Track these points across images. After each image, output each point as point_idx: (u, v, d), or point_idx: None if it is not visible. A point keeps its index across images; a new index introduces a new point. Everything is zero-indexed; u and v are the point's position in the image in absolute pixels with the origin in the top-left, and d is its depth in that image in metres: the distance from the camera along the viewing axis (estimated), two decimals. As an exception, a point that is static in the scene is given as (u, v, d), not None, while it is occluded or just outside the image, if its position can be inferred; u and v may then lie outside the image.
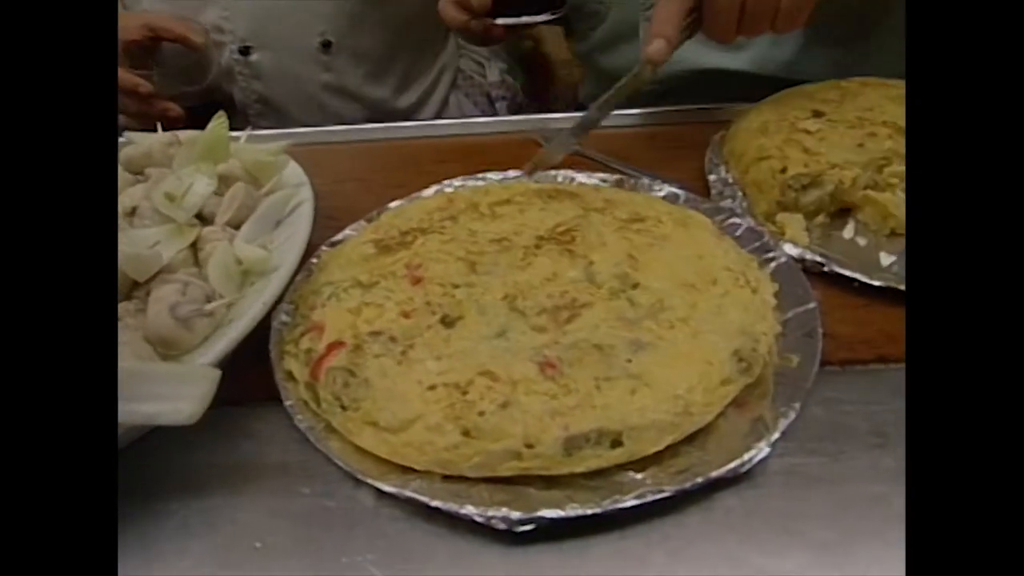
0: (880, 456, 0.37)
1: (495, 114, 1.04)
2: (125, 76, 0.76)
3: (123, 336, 0.39)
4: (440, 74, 1.02)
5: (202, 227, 0.51)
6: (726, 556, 0.33)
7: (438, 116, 1.03)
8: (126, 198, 0.54)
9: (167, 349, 0.42)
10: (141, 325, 0.41)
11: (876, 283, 0.47)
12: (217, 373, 0.36)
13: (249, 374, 0.43)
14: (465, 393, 0.38)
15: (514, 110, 1.04)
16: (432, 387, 0.39)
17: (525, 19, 0.71)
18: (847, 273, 0.48)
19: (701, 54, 0.74)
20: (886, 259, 0.51)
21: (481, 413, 0.37)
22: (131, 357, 0.38)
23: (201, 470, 0.39)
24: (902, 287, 0.47)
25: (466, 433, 0.37)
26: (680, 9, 0.55)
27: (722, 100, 0.71)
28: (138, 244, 0.47)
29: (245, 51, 0.88)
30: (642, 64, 0.56)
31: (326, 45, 0.89)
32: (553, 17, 0.71)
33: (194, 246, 0.50)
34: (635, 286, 0.44)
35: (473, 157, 0.68)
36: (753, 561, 0.33)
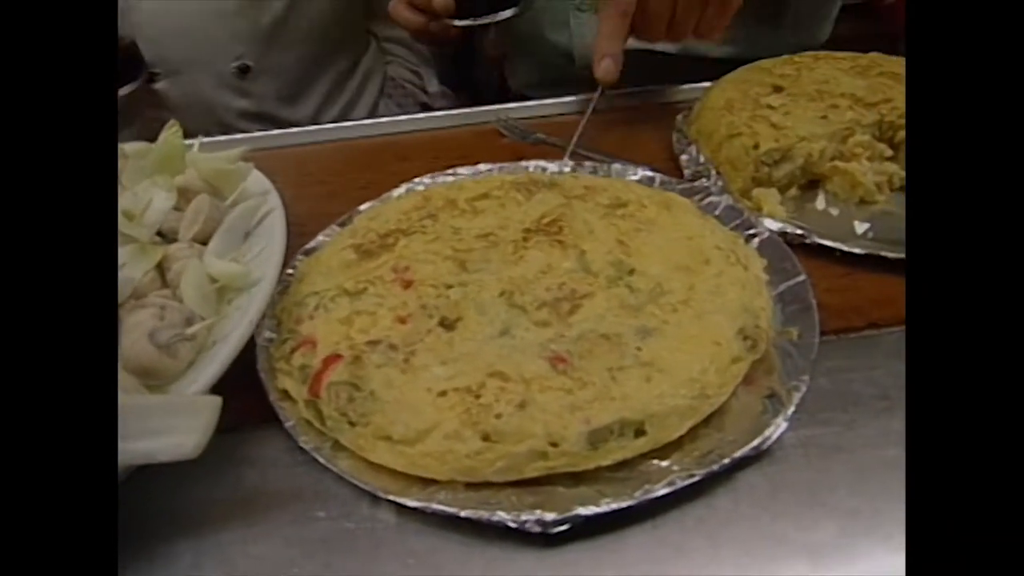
0: (889, 420, 0.38)
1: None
2: None
3: (105, 370, 0.36)
4: (364, 81, 0.97)
5: (166, 245, 0.48)
6: (763, 534, 0.34)
7: None
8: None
9: (150, 379, 0.39)
10: (118, 356, 0.38)
11: (857, 251, 0.48)
12: (218, 401, 0.34)
13: (239, 397, 0.40)
14: (478, 396, 0.37)
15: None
16: (443, 393, 0.38)
17: (485, 19, 0.69)
18: (828, 244, 0.49)
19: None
20: (860, 227, 0.52)
21: (498, 416, 0.36)
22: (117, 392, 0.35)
23: (205, 505, 0.37)
24: (883, 253, 0.48)
25: (486, 438, 0.36)
26: (623, 24, 0.58)
27: (648, 81, 0.72)
28: (101, 268, 0.43)
29: (151, 78, 0.81)
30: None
31: (243, 70, 0.83)
32: (513, 15, 0.69)
33: (159, 266, 0.47)
34: (631, 272, 0.44)
35: (436, 152, 0.67)
36: (790, 536, 0.34)
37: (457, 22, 0.69)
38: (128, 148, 0.57)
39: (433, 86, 1.03)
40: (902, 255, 0.47)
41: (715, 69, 0.66)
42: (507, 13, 0.69)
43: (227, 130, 0.82)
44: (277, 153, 0.69)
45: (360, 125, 0.72)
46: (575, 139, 0.62)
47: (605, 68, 0.59)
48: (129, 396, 0.34)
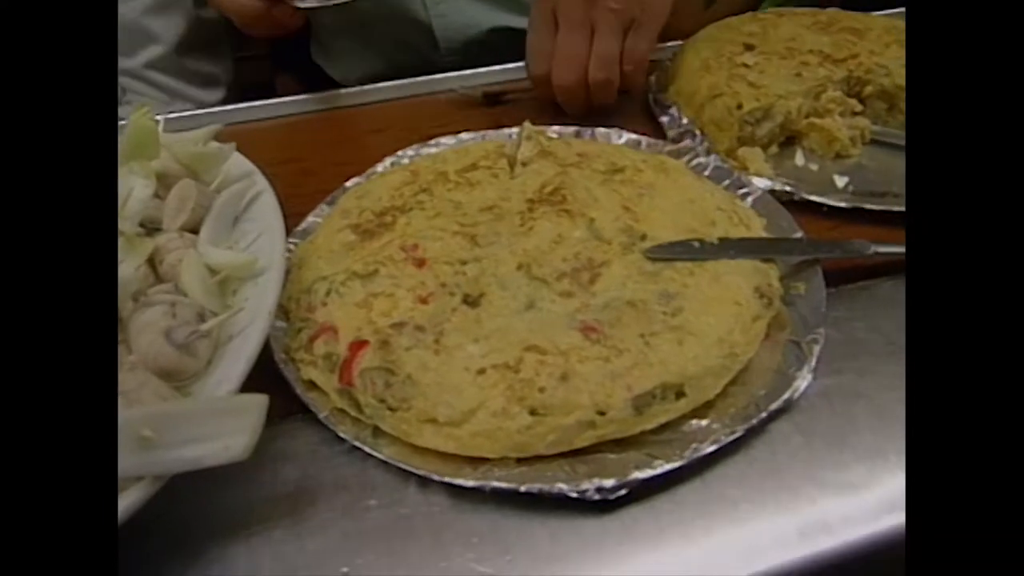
0: (897, 364, 0.41)
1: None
2: None
3: (131, 378, 0.34)
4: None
5: (154, 236, 0.45)
6: (802, 479, 0.36)
7: None
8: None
9: (171, 380, 0.37)
10: (138, 360, 0.36)
11: (843, 205, 0.51)
12: (264, 399, 0.33)
13: (258, 390, 0.40)
14: (518, 372, 0.37)
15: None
16: (482, 371, 0.38)
17: (334, 0, 0.61)
18: (816, 199, 0.51)
19: (492, 16, 0.75)
20: (840, 181, 0.55)
21: (542, 389, 0.37)
22: (153, 399, 0.33)
23: (249, 505, 0.36)
24: (865, 206, 0.51)
25: (533, 412, 0.36)
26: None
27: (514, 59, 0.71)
28: (95, 267, 0.41)
29: None
30: None
31: None
32: None
33: (150, 259, 0.44)
34: (643, 237, 0.45)
35: (410, 122, 0.65)
36: (827, 478, 0.36)
37: (303, 4, 0.61)
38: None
39: None
40: (883, 207, 0.50)
41: None
42: None
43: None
44: (242, 129, 0.65)
45: (324, 96, 0.69)
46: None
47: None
48: (170, 403, 0.33)
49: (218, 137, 0.52)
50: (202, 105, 0.79)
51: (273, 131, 0.66)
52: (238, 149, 0.52)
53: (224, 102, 0.82)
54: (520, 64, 0.68)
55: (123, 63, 0.82)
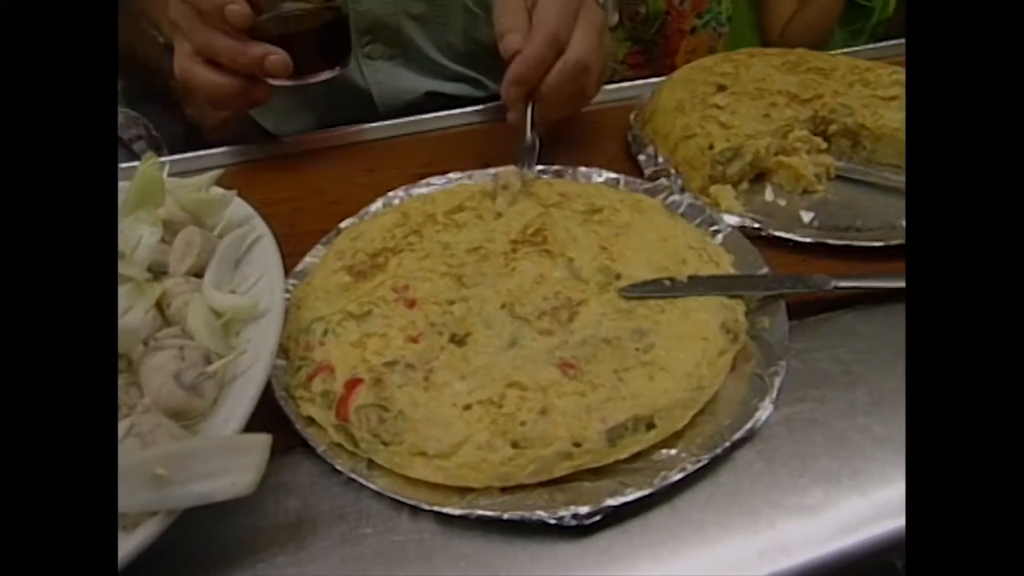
0: (854, 392, 0.44)
1: (133, 158, 0.87)
2: None
3: (146, 420, 0.37)
4: None
5: (162, 281, 0.48)
6: (764, 503, 0.39)
7: None
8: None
9: (179, 419, 0.40)
10: (151, 402, 0.39)
11: (808, 240, 0.54)
12: (268, 439, 0.36)
13: (259, 426, 0.43)
14: (501, 407, 0.41)
15: (154, 147, 0.92)
16: (468, 407, 0.41)
17: (311, 78, 0.63)
18: (782, 235, 0.55)
19: (427, 82, 0.80)
20: (806, 216, 0.58)
21: (523, 423, 0.40)
22: (167, 439, 0.36)
23: (253, 534, 0.39)
24: (828, 241, 0.54)
25: (515, 444, 0.39)
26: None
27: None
28: (108, 313, 0.44)
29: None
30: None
31: None
32: (338, 72, 0.65)
33: (158, 303, 0.47)
34: (618, 276, 0.48)
35: (400, 161, 0.69)
36: (786, 502, 0.39)
37: (279, 82, 0.60)
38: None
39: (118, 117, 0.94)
40: (844, 242, 0.54)
41: None
42: (333, 72, 0.64)
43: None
44: (236, 171, 0.68)
45: (314, 138, 0.73)
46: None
47: (511, 40, 0.56)
48: (182, 443, 0.36)
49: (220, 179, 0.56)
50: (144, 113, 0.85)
51: (267, 171, 0.69)
52: (233, 188, 0.55)
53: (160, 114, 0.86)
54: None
55: None
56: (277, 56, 0.56)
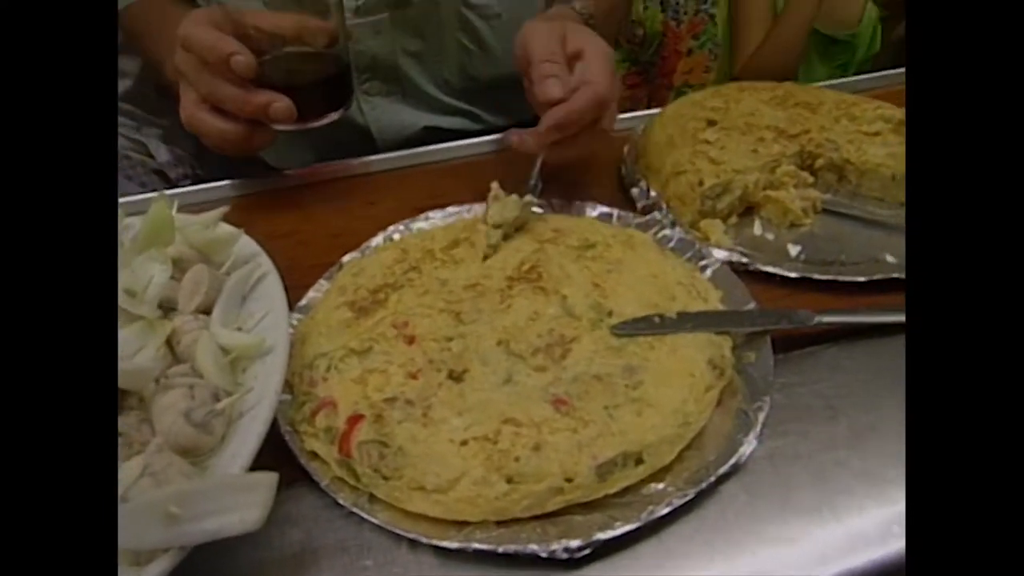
0: (834, 427, 0.46)
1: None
2: (214, 38, 0.56)
3: (160, 459, 0.39)
4: None
5: (172, 319, 0.50)
6: (747, 535, 0.41)
7: None
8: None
9: (188, 456, 0.42)
10: (163, 441, 0.41)
11: (793, 275, 0.56)
12: (275, 477, 0.38)
13: (264, 459, 0.44)
14: (496, 443, 0.42)
15: (197, 181, 0.92)
16: (464, 443, 0.43)
17: (313, 123, 0.63)
18: (769, 269, 0.57)
19: (424, 117, 0.83)
20: (793, 250, 0.60)
21: (517, 459, 0.42)
22: (179, 477, 0.38)
23: (258, 566, 0.40)
24: (814, 276, 0.56)
25: (510, 480, 0.41)
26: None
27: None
28: (122, 351, 0.46)
29: None
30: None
31: None
32: (341, 115, 0.66)
33: (168, 340, 0.49)
34: (610, 314, 0.50)
35: (401, 193, 0.71)
36: (769, 534, 0.41)
37: (283, 127, 0.61)
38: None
39: (163, 154, 0.96)
40: (829, 276, 0.56)
41: None
42: (335, 115, 0.65)
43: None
44: (240, 204, 0.70)
45: (315, 171, 0.75)
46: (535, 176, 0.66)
47: (552, 88, 0.57)
48: (194, 481, 0.38)
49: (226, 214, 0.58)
50: (163, 128, 0.88)
51: (271, 204, 0.71)
52: (241, 222, 0.57)
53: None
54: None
55: None
56: (281, 103, 0.58)
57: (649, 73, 1.85)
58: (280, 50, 0.60)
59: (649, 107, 1.88)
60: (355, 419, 0.45)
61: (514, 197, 0.59)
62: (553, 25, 0.61)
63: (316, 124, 0.63)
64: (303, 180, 0.74)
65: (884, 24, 1.22)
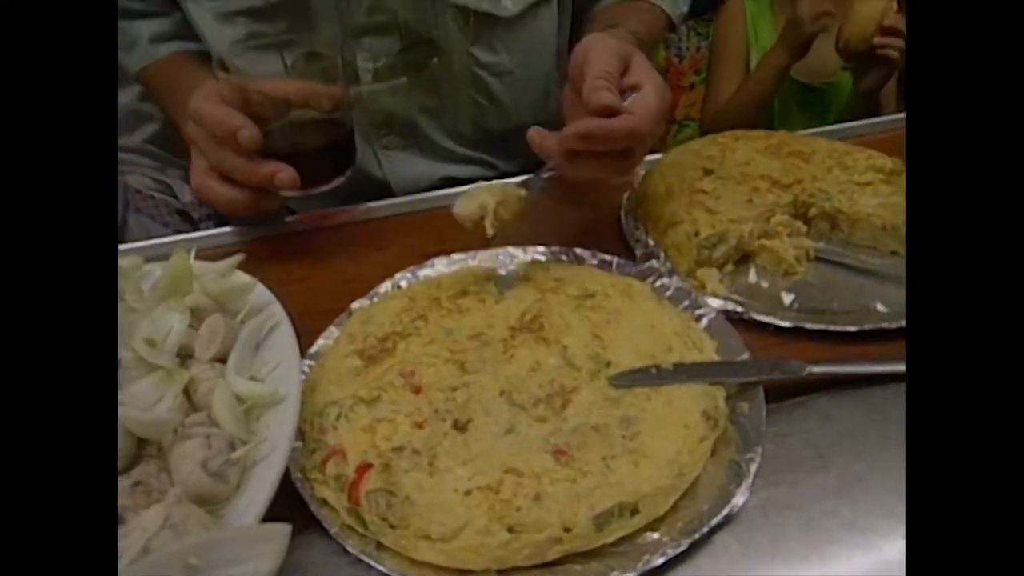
0: (824, 478, 0.48)
1: (194, 230, 0.94)
2: (222, 114, 0.60)
3: (179, 511, 0.41)
4: None
5: (188, 368, 0.52)
6: (740, 587, 0.42)
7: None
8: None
9: (204, 505, 0.44)
10: (181, 492, 0.43)
11: (786, 324, 0.58)
12: (288, 529, 0.40)
13: (276, 505, 0.46)
14: (498, 493, 0.44)
15: (221, 224, 0.96)
16: (468, 492, 0.45)
17: (320, 188, 0.66)
18: (763, 319, 0.59)
19: (440, 167, 0.86)
20: (787, 298, 0.62)
21: (518, 509, 0.44)
22: (197, 528, 0.40)
23: (271, 612, 0.42)
24: (806, 326, 0.58)
25: (511, 529, 0.43)
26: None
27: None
28: (142, 401, 0.48)
29: None
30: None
31: None
32: (345, 180, 0.68)
33: (185, 389, 0.51)
34: (608, 364, 0.52)
35: (410, 239, 0.73)
36: (760, 586, 0.42)
37: (289, 194, 0.64)
38: (125, 264, 0.61)
39: (186, 195, 1.00)
40: (821, 326, 0.58)
41: None
42: (340, 179, 0.67)
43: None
44: (254, 247, 0.73)
45: (327, 215, 0.77)
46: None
47: (605, 96, 0.55)
48: (211, 532, 0.40)
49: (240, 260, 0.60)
50: (186, 169, 0.91)
51: (284, 248, 0.73)
52: (254, 267, 0.59)
53: None
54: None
55: (124, 141, 0.93)
56: (284, 173, 0.61)
57: (651, 107, 1.88)
58: (286, 115, 0.63)
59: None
60: (364, 468, 0.47)
61: (507, 186, 0.61)
62: (622, 46, 0.59)
63: (319, 190, 0.66)
64: (314, 224, 0.76)
65: (853, 74, 1.25)
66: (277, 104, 0.62)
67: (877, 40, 1.13)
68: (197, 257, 0.59)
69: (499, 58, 0.79)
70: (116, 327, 0.48)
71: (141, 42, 0.78)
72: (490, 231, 0.59)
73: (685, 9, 0.89)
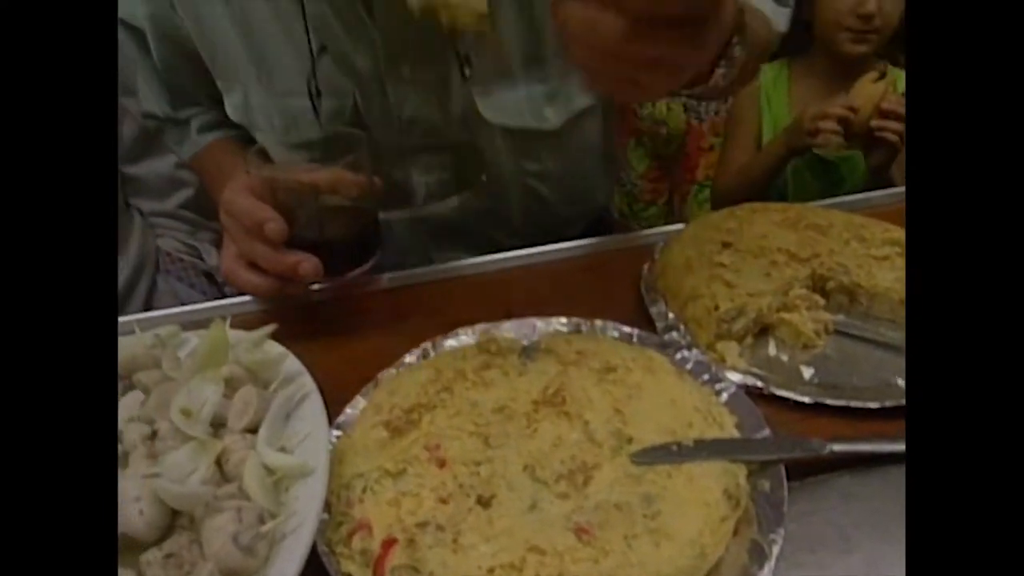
0: (849, 559, 0.48)
1: (220, 295, 0.98)
2: (251, 206, 0.64)
3: (211, 585, 0.42)
4: (141, 266, 0.99)
5: (221, 438, 0.54)
6: (763, 675, 0.42)
7: (147, 308, 0.96)
8: (123, 411, 0.57)
9: (234, 578, 0.45)
10: (214, 567, 0.44)
11: (806, 400, 0.59)
12: (315, 605, 0.41)
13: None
14: (521, 571, 0.45)
15: None
16: (491, 571, 0.45)
17: (345, 276, 0.69)
18: (783, 394, 0.59)
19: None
20: (806, 372, 0.63)
21: (541, 588, 0.44)
22: (229, 605, 0.41)
23: None
24: (826, 401, 0.58)
25: (533, 609, 0.43)
26: None
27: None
28: (177, 472, 0.50)
29: None
30: None
31: None
32: (369, 267, 0.70)
33: (217, 460, 0.53)
34: (629, 440, 0.53)
35: (434, 307, 0.75)
36: (783, 675, 0.42)
37: (316, 285, 0.67)
38: (163, 334, 0.64)
39: (213, 258, 1.05)
40: (841, 402, 0.58)
41: None
42: (366, 266, 0.70)
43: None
44: (283, 313, 0.75)
45: (349, 282, 0.79)
46: None
47: None
48: (241, 611, 0.41)
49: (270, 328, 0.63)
50: (215, 231, 0.98)
51: (311, 315, 0.76)
52: (282, 335, 0.62)
53: None
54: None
55: (159, 206, 0.99)
56: (308, 264, 0.64)
57: (671, 168, 1.92)
58: (314, 201, 0.66)
59: (670, 199, 1.98)
60: (389, 543, 0.48)
61: None
62: None
63: (343, 280, 0.69)
64: (342, 293, 0.79)
65: (863, 151, 1.27)
66: (304, 190, 0.65)
67: (875, 123, 1.16)
68: (230, 325, 0.62)
69: (545, 166, 0.84)
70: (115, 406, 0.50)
71: (191, 133, 0.85)
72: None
73: (783, 29, 0.78)
